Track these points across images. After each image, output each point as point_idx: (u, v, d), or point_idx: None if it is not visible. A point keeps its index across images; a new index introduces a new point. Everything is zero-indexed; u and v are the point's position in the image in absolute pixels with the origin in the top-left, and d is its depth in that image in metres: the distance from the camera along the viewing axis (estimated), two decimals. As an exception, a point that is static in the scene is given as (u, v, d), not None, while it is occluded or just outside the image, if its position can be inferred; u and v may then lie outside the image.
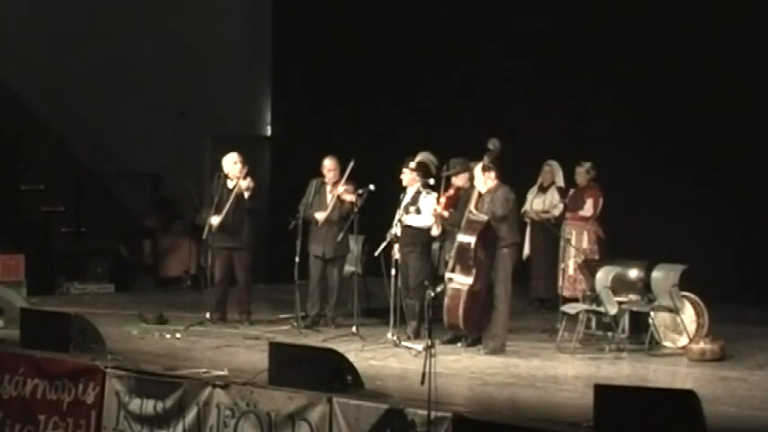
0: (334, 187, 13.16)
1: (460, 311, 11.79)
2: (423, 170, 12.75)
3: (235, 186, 13.37)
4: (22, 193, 17.60)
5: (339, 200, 13.10)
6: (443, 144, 13.40)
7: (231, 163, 13.50)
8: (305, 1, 19.49)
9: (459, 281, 11.88)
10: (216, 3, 19.91)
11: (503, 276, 11.83)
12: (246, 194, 13.32)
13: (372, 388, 9.65)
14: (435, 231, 12.66)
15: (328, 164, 13.30)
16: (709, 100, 15.40)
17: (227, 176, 13.48)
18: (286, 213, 13.44)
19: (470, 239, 11.80)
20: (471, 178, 12.23)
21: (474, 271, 11.81)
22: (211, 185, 13.66)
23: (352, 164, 12.98)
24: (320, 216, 13.11)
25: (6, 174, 17.41)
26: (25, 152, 17.57)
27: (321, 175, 13.34)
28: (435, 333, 10.11)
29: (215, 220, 13.31)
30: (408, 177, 12.69)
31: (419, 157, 12.91)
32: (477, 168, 11.96)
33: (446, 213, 12.43)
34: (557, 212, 14.49)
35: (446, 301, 11.88)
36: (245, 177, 13.35)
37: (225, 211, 13.29)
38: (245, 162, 13.47)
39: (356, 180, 13.02)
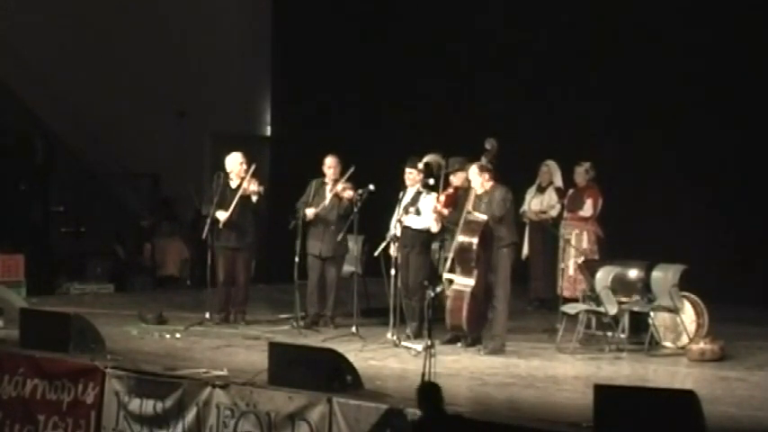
0: (334, 185, 13.16)
1: (464, 313, 11.76)
2: (426, 171, 12.72)
3: (239, 186, 13.35)
4: (21, 194, 17.61)
5: (338, 197, 13.10)
6: (443, 144, 13.37)
7: (236, 163, 13.47)
8: (305, 1, 19.49)
9: (462, 282, 11.85)
10: (216, 3, 19.91)
11: (502, 277, 11.80)
12: (254, 198, 13.31)
13: (372, 388, 9.64)
14: (435, 228, 12.62)
15: (330, 161, 13.29)
16: (708, 100, 15.38)
17: (228, 176, 13.47)
18: (286, 213, 13.44)
19: (472, 240, 11.76)
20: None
21: (475, 272, 11.80)
22: (211, 185, 13.63)
23: (352, 169, 12.98)
24: (309, 212, 13.11)
25: (7, 174, 17.43)
26: (26, 153, 17.60)
27: (321, 175, 13.34)
28: (435, 333, 10.11)
29: (221, 215, 13.29)
30: (414, 177, 12.66)
31: (427, 158, 12.85)
32: (473, 169, 11.92)
33: (446, 211, 12.39)
34: (554, 213, 14.50)
35: (448, 302, 11.84)
36: (255, 182, 13.32)
37: (230, 209, 13.29)
38: (250, 163, 13.47)
39: (356, 180, 13.00)
